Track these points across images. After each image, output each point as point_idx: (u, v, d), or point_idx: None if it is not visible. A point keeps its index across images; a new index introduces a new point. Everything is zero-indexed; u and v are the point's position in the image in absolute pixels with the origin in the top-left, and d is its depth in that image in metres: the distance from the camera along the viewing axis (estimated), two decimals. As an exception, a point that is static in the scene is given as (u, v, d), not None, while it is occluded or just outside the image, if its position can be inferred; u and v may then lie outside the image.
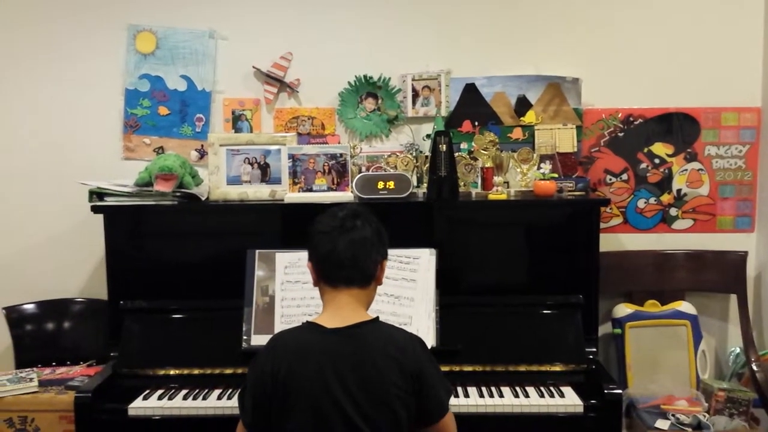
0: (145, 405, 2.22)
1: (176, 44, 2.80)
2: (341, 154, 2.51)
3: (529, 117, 2.77)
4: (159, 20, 2.79)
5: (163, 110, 2.83)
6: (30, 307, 2.80)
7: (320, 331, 1.71)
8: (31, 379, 2.48)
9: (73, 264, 2.86)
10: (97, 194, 2.50)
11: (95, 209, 2.47)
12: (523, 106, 2.78)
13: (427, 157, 2.60)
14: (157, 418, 2.21)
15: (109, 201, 2.50)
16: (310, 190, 2.51)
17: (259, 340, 2.32)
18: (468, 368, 2.32)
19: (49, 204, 2.85)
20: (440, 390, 1.75)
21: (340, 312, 1.74)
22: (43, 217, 2.87)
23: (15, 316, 2.78)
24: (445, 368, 2.10)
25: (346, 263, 1.73)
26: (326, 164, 2.50)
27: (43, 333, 2.80)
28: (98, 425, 2.22)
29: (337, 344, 1.69)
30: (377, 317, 1.78)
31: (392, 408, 1.65)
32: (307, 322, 1.77)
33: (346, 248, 1.73)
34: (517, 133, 2.77)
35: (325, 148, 2.53)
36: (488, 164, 2.56)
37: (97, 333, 2.72)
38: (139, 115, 2.83)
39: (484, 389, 2.26)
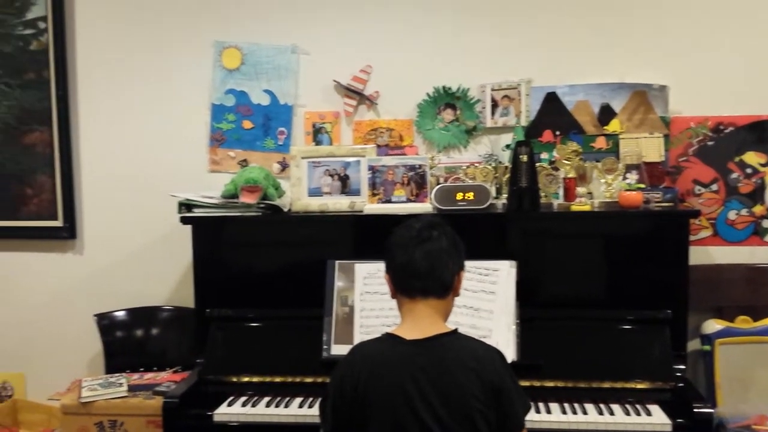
0: (230, 411, 2.29)
1: (260, 60, 2.88)
2: (420, 166, 2.51)
3: (613, 126, 2.69)
4: (244, 37, 2.88)
5: (247, 124, 2.91)
6: (120, 314, 2.93)
7: (399, 342, 1.71)
8: (120, 384, 2.59)
9: (161, 273, 2.97)
10: (185, 206, 2.59)
11: (184, 220, 2.56)
12: (606, 114, 2.71)
13: (506, 167, 2.58)
14: (240, 424, 2.26)
15: (197, 212, 2.59)
16: (389, 202, 2.53)
17: (339, 349, 2.35)
18: (549, 384, 2.28)
19: (139, 214, 2.98)
20: (518, 405, 1.71)
21: (419, 323, 1.73)
22: (133, 227, 2.99)
23: (106, 323, 2.91)
24: (525, 383, 2.07)
25: (422, 274, 1.73)
26: (405, 176, 2.51)
27: (132, 339, 2.91)
28: (184, 430, 2.29)
29: (416, 356, 1.68)
30: (456, 329, 1.76)
31: (473, 421, 1.62)
32: (387, 333, 1.77)
33: (423, 259, 1.73)
34: (601, 143, 2.70)
35: (404, 160, 2.55)
36: (571, 174, 2.51)
37: (183, 340, 2.82)
38: (225, 129, 2.92)
39: (566, 405, 2.21)
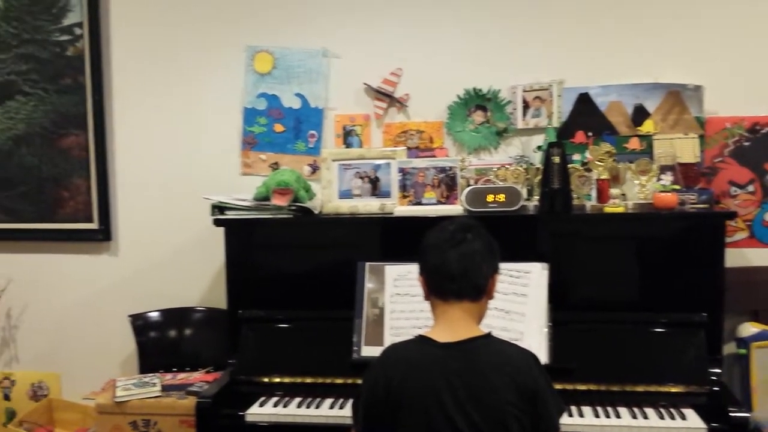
0: (261, 411, 2.31)
1: (292, 64, 2.91)
2: (450, 168, 2.51)
3: (647, 126, 2.66)
4: (276, 41, 2.91)
5: (278, 127, 2.94)
6: (154, 315, 2.97)
7: (432, 345, 1.71)
8: (154, 384, 2.62)
9: (194, 274, 3.01)
10: (218, 208, 2.61)
11: (217, 222, 2.59)
12: (640, 115, 2.68)
13: (538, 169, 2.56)
14: (272, 424, 2.28)
15: (230, 214, 2.61)
16: (420, 204, 2.52)
17: (369, 351, 2.35)
18: (582, 387, 2.25)
19: (173, 217, 3.02)
20: (553, 408, 1.70)
21: (452, 326, 1.73)
22: (167, 230, 3.04)
23: (140, 324, 2.95)
24: (558, 386, 2.00)
25: (456, 276, 1.72)
26: (435, 178, 2.51)
27: (166, 340, 2.95)
28: (217, 430, 2.32)
29: (449, 359, 1.67)
30: (489, 332, 1.75)
31: (506, 425, 1.61)
32: (419, 335, 1.76)
33: (456, 261, 1.72)
34: (634, 144, 2.67)
35: (434, 162, 2.54)
36: (604, 176, 2.48)
37: (215, 340, 2.83)
38: (256, 132, 2.95)
39: (599, 409, 2.19)
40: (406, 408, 1.66)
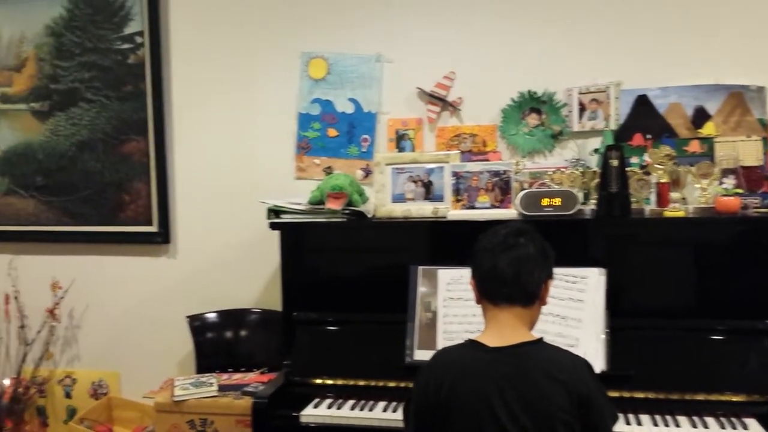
0: (316, 413, 2.32)
1: (345, 69, 2.93)
2: (504, 171, 2.49)
3: (708, 129, 2.59)
4: (330, 47, 2.94)
5: (332, 132, 2.97)
6: (211, 316, 3.02)
7: (482, 349, 1.70)
8: (211, 384, 2.66)
9: (249, 276, 3.04)
10: (274, 212, 2.64)
11: (273, 226, 2.62)
12: (700, 117, 2.61)
13: (594, 172, 2.52)
14: (326, 426, 2.30)
15: (285, 218, 2.64)
16: (473, 208, 2.51)
17: (422, 354, 2.34)
18: (640, 395, 2.20)
19: (229, 220, 3.06)
20: (606, 416, 1.67)
21: (503, 331, 1.72)
22: (223, 232, 3.08)
23: (197, 324, 3.00)
24: (614, 394, 2.02)
25: (507, 280, 1.71)
26: (489, 181, 2.49)
27: (222, 340, 2.99)
28: (272, 430, 2.34)
29: (498, 363, 1.66)
30: (541, 338, 1.73)
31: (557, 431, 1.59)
32: (469, 340, 1.76)
33: (508, 265, 1.71)
34: (694, 146, 2.60)
35: (488, 166, 2.53)
36: (664, 179, 2.43)
37: (269, 342, 2.87)
38: (311, 137, 2.98)
39: (657, 418, 2.13)
40: (455, 412, 1.66)
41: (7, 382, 3.26)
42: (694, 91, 2.62)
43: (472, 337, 1.77)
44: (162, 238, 3.15)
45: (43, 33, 3.20)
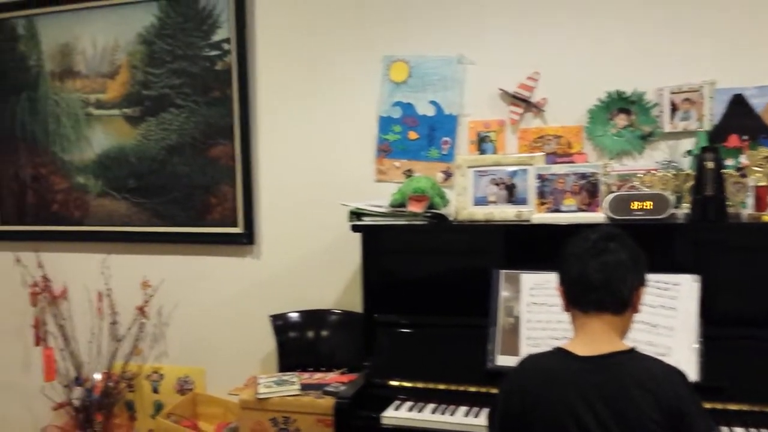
0: (397, 415, 2.33)
1: (426, 72, 2.92)
2: (592, 173, 2.42)
3: (809, 129, 2.46)
4: (411, 50, 2.93)
5: (412, 135, 2.96)
6: (293, 315, 3.06)
7: (571, 358, 1.66)
8: (293, 383, 2.70)
9: (330, 277, 3.07)
10: (356, 214, 2.66)
11: (354, 228, 2.64)
12: (801, 117, 2.48)
13: (688, 174, 2.42)
14: (407, 428, 2.30)
15: (366, 221, 2.66)
16: (558, 211, 2.46)
17: (504, 360, 2.32)
18: (734, 407, 2.11)
19: (311, 222, 3.09)
20: (701, 429, 1.60)
21: (592, 339, 1.67)
22: (306, 234, 3.12)
23: (280, 324, 3.04)
24: (707, 405, 1.88)
25: (597, 287, 1.66)
26: (576, 184, 2.43)
27: (304, 340, 3.03)
28: (353, 430, 2.36)
29: (588, 373, 1.62)
30: (633, 347, 1.67)
31: None
32: (558, 347, 1.72)
33: (598, 271, 1.66)
34: (794, 147, 2.47)
35: (575, 168, 2.47)
36: (762, 182, 2.31)
37: (349, 342, 2.89)
38: (391, 140, 2.99)
39: (752, 431, 2.05)
40: (541, 421, 1.63)
41: (98, 376, 3.39)
42: (794, 90, 2.49)
43: (557, 344, 1.74)
44: (247, 239, 3.20)
45: (135, 41, 3.32)
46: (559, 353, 1.69)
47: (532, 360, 1.76)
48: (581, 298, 1.70)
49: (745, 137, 2.52)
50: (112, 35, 3.36)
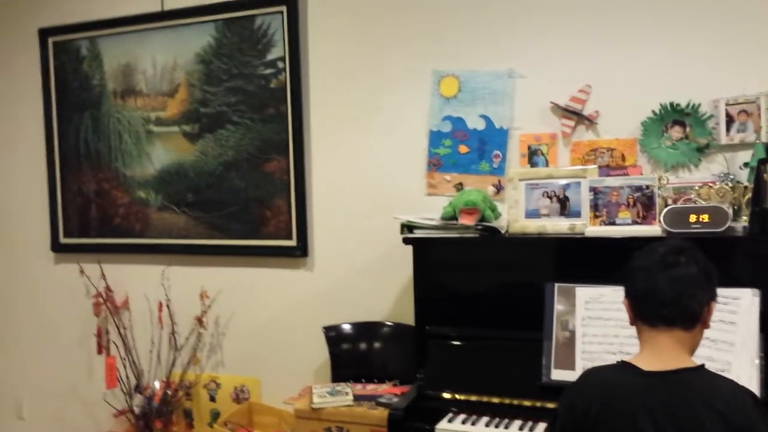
0: (450, 427, 2.34)
1: (477, 86, 2.95)
2: (648, 186, 2.40)
3: None
4: (461, 64, 2.96)
5: (462, 149, 2.99)
6: (346, 327, 3.10)
7: (636, 372, 1.64)
8: (347, 393, 2.74)
9: (382, 289, 3.11)
10: (407, 227, 2.70)
11: (406, 241, 2.67)
12: None
13: (746, 187, 2.38)
14: (461, 441, 2.30)
15: (418, 233, 2.69)
16: (613, 224, 2.44)
17: (559, 374, 2.32)
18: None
19: (363, 235, 3.15)
20: None
21: (660, 354, 1.65)
22: (358, 247, 3.17)
23: (332, 335, 3.09)
24: None
25: (667, 302, 1.65)
26: (630, 197, 2.42)
27: (356, 351, 3.07)
28: (407, 442, 2.38)
29: (653, 389, 1.60)
30: (702, 364, 1.65)
31: None
32: (622, 361, 1.70)
33: (668, 286, 1.65)
34: None
35: (629, 180, 2.45)
36: (822, 194, 2.27)
37: (401, 355, 2.92)
38: (441, 154, 3.02)
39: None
40: None
41: (158, 384, 3.48)
42: None
43: (614, 358, 1.73)
44: (300, 251, 3.27)
45: (193, 60, 3.43)
46: (624, 367, 1.68)
47: (596, 373, 1.75)
48: (650, 313, 1.68)
49: (805, 148, 2.47)
50: (171, 55, 3.48)
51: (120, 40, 3.59)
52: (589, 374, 1.76)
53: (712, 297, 1.70)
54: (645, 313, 1.70)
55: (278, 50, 3.25)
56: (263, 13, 3.27)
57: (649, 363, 1.65)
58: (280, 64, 3.26)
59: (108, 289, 3.62)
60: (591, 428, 1.64)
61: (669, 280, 1.65)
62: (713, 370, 1.73)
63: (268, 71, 3.29)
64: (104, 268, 3.62)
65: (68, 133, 3.74)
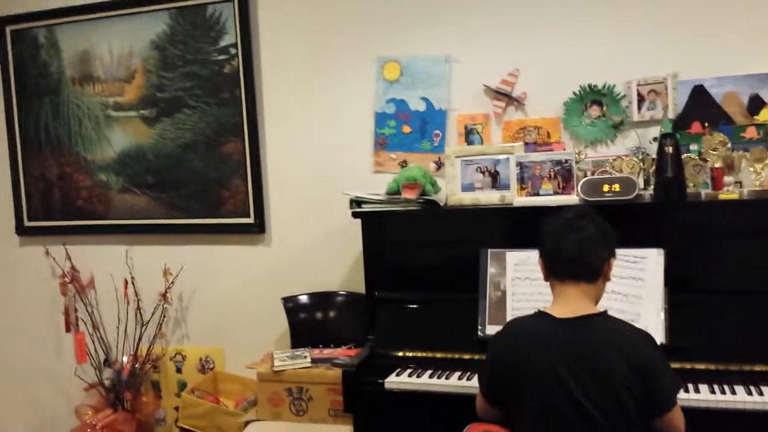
0: (398, 380, 2.52)
1: (417, 70, 3.12)
2: (566, 160, 2.63)
3: (764, 115, 2.66)
4: (402, 50, 3.12)
5: (406, 129, 3.16)
6: (303, 297, 3.23)
7: (550, 319, 1.86)
8: (305, 357, 2.88)
9: (335, 261, 3.25)
10: (356, 202, 2.86)
11: (355, 215, 2.83)
12: (756, 104, 2.68)
13: (653, 159, 2.62)
14: (407, 392, 2.50)
15: (366, 208, 2.84)
16: (537, 195, 2.67)
17: (493, 330, 2.47)
18: (699, 366, 2.32)
19: (316, 211, 3.28)
20: (667, 383, 1.80)
21: (570, 304, 1.87)
22: (311, 222, 3.31)
23: (291, 305, 3.21)
24: (675, 365, 2.10)
25: (573, 259, 1.87)
26: (552, 170, 2.64)
27: (313, 320, 3.20)
28: (360, 395, 2.57)
29: (565, 332, 1.82)
30: (606, 311, 1.88)
31: (620, 397, 1.74)
32: (538, 311, 1.92)
33: (573, 246, 1.87)
34: (751, 133, 2.68)
35: (550, 155, 2.67)
36: (718, 164, 2.52)
37: (355, 321, 3.04)
38: (387, 134, 3.18)
39: (715, 386, 2.24)
40: (526, 376, 1.83)
41: (126, 358, 3.54)
42: (749, 80, 2.69)
43: (542, 308, 1.93)
44: (258, 228, 3.38)
45: (149, 47, 3.49)
46: (541, 316, 1.90)
47: (517, 323, 1.96)
48: (559, 270, 1.91)
49: (707, 124, 2.73)
50: (127, 42, 3.53)
51: (77, 28, 3.61)
52: (510, 324, 1.98)
53: (611, 254, 1.92)
54: (555, 269, 1.92)
55: (230, 37, 3.34)
56: (215, 1, 3.35)
57: (561, 311, 1.87)
58: (233, 51, 3.34)
59: (74, 269, 3.66)
60: (513, 370, 1.86)
61: (573, 241, 1.87)
62: (625, 320, 1.95)
63: (222, 57, 3.37)
64: (69, 249, 3.66)
65: (29, 119, 3.76)
